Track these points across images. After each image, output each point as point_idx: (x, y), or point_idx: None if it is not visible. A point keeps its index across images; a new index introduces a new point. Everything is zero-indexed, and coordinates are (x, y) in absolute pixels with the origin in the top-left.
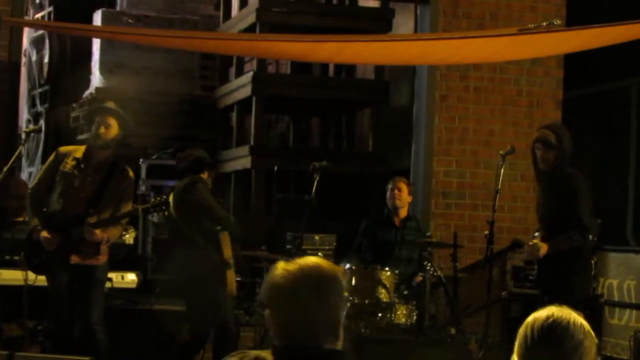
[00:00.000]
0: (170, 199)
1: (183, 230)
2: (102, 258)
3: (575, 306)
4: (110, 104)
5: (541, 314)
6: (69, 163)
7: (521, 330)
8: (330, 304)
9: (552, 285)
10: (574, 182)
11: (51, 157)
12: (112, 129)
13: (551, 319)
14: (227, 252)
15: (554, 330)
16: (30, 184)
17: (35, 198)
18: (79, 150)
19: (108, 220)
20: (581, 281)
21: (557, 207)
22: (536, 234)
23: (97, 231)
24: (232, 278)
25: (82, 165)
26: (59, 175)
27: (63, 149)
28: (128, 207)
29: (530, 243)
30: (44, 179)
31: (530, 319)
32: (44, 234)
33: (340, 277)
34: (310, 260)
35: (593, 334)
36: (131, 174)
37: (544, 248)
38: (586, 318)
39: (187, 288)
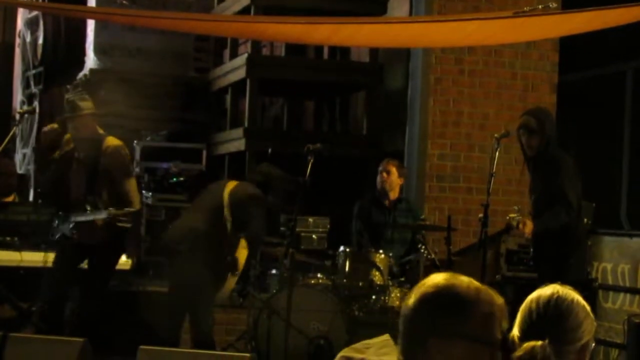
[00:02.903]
0: (228, 189)
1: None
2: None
3: (570, 283)
4: (81, 105)
5: (545, 290)
6: (63, 150)
7: (525, 306)
8: None
9: (547, 268)
10: (559, 162)
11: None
12: (90, 125)
13: (556, 296)
14: (242, 258)
15: (559, 306)
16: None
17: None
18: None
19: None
20: (576, 264)
21: (545, 189)
22: (515, 207)
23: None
24: (230, 284)
25: (73, 156)
26: (56, 162)
27: (64, 138)
28: (126, 177)
29: (512, 215)
30: (51, 168)
31: (534, 295)
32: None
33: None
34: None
35: (592, 315)
36: (109, 142)
37: (529, 226)
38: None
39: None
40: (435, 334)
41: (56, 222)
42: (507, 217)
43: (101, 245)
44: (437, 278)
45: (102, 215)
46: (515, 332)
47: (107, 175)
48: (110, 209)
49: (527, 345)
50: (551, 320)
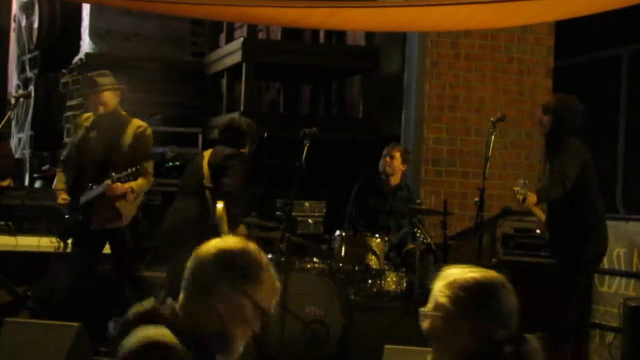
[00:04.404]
0: (206, 159)
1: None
2: (124, 219)
3: (588, 268)
4: (98, 81)
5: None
6: (80, 132)
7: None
8: None
9: (564, 249)
10: (566, 145)
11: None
12: (110, 102)
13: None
14: (224, 224)
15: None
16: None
17: (64, 167)
18: (89, 118)
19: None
20: (594, 244)
21: (552, 170)
22: (521, 181)
23: (118, 184)
24: None
25: (91, 134)
26: (74, 145)
27: (79, 118)
28: (148, 163)
29: (515, 188)
30: (67, 149)
31: (494, 276)
32: (63, 196)
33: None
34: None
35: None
36: (144, 130)
37: (532, 197)
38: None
39: (176, 247)
40: (224, 286)
41: (67, 212)
42: (514, 189)
43: (115, 230)
44: (237, 242)
45: (106, 183)
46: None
47: (131, 156)
48: (112, 174)
49: None
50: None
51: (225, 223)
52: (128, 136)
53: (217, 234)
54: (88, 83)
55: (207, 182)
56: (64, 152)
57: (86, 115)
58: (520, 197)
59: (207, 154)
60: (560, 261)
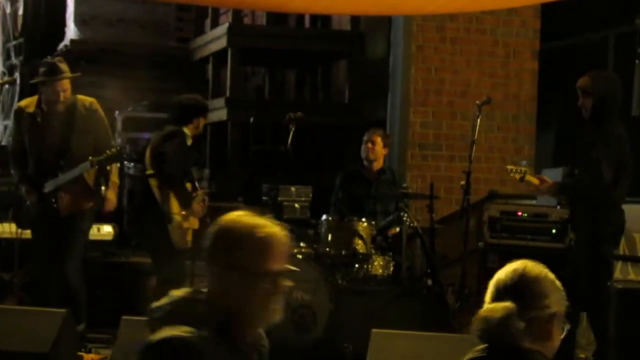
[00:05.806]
0: (147, 151)
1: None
2: (89, 204)
3: (611, 239)
4: (62, 68)
5: (515, 263)
6: (25, 119)
7: (494, 277)
8: None
9: (584, 223)
10: (608, 135)
11: (13, 118)
12: (67, 90)
13: (524, 266)
14: (174, 206)
15: (526, 275)
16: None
17: (15, 155)
18: (31, 105)
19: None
20: (614, 216)
21: (587, 154)
22: (524, 162)
23: (111, 202)
24: (175, 232)
25: (38, 119)
26: (23, 134)
27: (17, 106)
28: (107, 141)
29: (509, 167)
30: (16, 139)
31: (504, 268)
32: (25, 188)
33: None
34: None
35: (563, 293)
36: (96, 106)
37: (546, 183)
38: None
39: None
40: (213, 262)
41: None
42: (507, 168)
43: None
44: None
45: (83, 168)
46: (487, 301)
47: (92, 131)
48: (91, 158)
49: (492, 305)
50: (517, 286)
51: (176, 206)
52: (80, 112)
53: (163, 220)
54: (50, 69)
55: (149, 169)
56: (11, 147)
57: (24, 103)
58: (518, 176)
59: (151, 142)
60: (580, 238)
